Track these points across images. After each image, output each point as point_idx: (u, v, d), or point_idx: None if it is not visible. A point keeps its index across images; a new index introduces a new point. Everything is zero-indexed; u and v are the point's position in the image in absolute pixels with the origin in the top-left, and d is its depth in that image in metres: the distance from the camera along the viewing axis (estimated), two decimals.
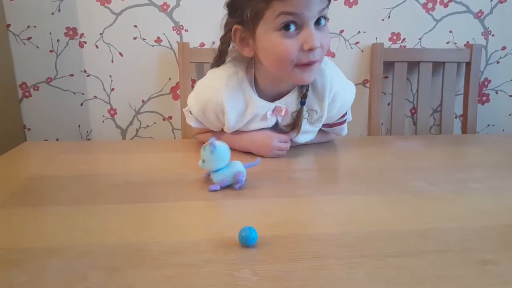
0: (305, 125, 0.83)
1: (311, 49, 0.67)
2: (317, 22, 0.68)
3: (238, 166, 0.66)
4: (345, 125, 0.91)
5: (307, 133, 0.85)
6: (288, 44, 0.68)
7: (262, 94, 0.80)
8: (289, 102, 0.80)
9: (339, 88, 0.81)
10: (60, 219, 0.55)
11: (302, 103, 0.80)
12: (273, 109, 0.80)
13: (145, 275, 0.42)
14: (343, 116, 0.88)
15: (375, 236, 0.50)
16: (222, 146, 0.64)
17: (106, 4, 1.19)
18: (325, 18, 0.69)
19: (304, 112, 0.81)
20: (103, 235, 0.50)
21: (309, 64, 0.70)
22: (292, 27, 0.67)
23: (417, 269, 0.43)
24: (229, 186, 0.65)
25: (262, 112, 0.80)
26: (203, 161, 0.64)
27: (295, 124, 0.82)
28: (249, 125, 0.82)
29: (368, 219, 0.55)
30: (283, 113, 0.80)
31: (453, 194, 0.64)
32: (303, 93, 0.80)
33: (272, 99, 0.80)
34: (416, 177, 0.71)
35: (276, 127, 0.84)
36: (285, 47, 0.68)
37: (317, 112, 0.82)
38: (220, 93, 0.78)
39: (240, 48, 0.76)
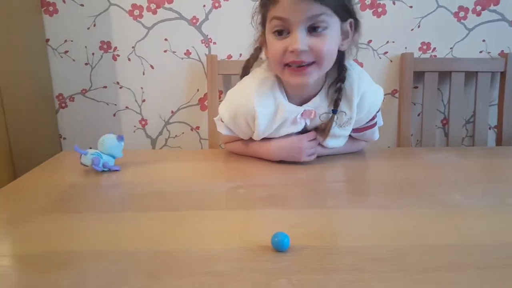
0: (333, 128, 0.82)
1: (294, 51, 0.70)
2: (313, 28, 0.71)
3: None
4: (375, 129, 0.90)
5: (336, 137, 0.85)
6: (277, 45, 0.73)
7: (290, 99, 0.81)
8: (317, 105, 0.81)
9: (366, 88, 0.81)
10: (99, 225, 0.57)
11: (334, 111, 0.80)
12: (302, 113, 0.80)
13: (182, 281, 0.43)
14: (372, 118, 0.87)
15: (410, 250, 0.49)
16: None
17: (138, 19, 1.23)
18: (324, 28, 0.71)
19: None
20: (139, 241, 0.52)
21: (299, 69, 0.73)
22: (283, 31, 0.72)
23: (456, 284, 0.42)
24: None
25: (291, 116, 0.81)
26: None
27: (323, 130, 0.82)
28: (279, 131, 0.82)
29: (402, 233, 0.54)
30: (312, 116, 0.81)
31: (490, 209, 0.62)
32: (330, 94, 0.80)
33: (300, 103, 0.81)
34: (451, 190, 0.69)
35: (304, 132, 0.84)
36: (275, 47, 0.73)
37: (346, 114, 0.82)
38: (251, 98, 0.80)
39: (264, 50, 0.81)
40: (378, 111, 0.88)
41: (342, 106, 0.81)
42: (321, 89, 0.81)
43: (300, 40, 0.69)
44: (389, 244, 0.50)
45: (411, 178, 0.77)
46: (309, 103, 0.81)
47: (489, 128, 1.34)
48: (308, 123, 0.83)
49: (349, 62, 0.82)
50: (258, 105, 0.79)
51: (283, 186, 0.72)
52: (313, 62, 0.72)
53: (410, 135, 1.29)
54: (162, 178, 0.78)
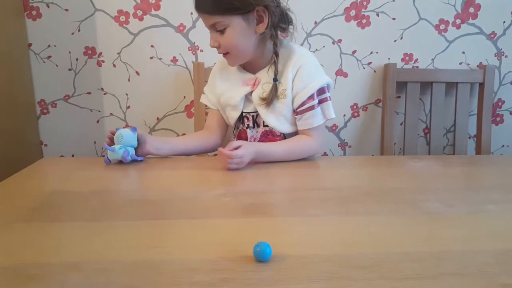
0: (274, 99, 0.92)
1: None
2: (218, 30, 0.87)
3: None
4: (315, 113, 0.93)
5: (275, 114, 0.94)
6: None
7: (247, 69, 0.97)
8: (262, 76, 0.95)
9: (304, 64, 0.92)
10: (78, 235, 0.56)
11: (274, 79, 0.92)
12: (248, 79, 0.96)
13: None
14: (311, 99, 0.92)
15: (392, 258, 0.49)
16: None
17: (124, 25, 1.23)
18: (223, 28, 0.86)
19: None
20: (120, 251, 0.51)
21: (224, 56, 0.93)
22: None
23: None
24: None
25: (240, 79, 0.96)
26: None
27: (265, 98, 0.93)
28: (232, 89, 0.97)
29: (383, 240, 0.54)
30: (252, 82, 0.94)
31: (469, 216, 0.63)
32: (273, 68, 0.92)
33: (254, 73, 0.96)
34: (431, 198, 0.71)
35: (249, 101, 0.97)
36: None
37: (282, 84, 0.92)
38: (218, 64, 1.03)
39: None
40: (323, 98, 0.94)
41: (280, 77, 0.93)
42: (269, 64, 0.94)
43: (211, 40, 0.90)
44: (370, 252, 0.51)
45: (393, 186, 0.78)
46: (256, 74, 0.96)
47: (469, 137, 1.37)
48: (255, 89, 0.94)
49: (286, 41, 0.95)
50: (220, 67, 1.01)
51: (266, 194, 0.73)
52: (228, 52, 0.90)
53: (393, 144, 1.31)
54: (144, 186, 0.77)
